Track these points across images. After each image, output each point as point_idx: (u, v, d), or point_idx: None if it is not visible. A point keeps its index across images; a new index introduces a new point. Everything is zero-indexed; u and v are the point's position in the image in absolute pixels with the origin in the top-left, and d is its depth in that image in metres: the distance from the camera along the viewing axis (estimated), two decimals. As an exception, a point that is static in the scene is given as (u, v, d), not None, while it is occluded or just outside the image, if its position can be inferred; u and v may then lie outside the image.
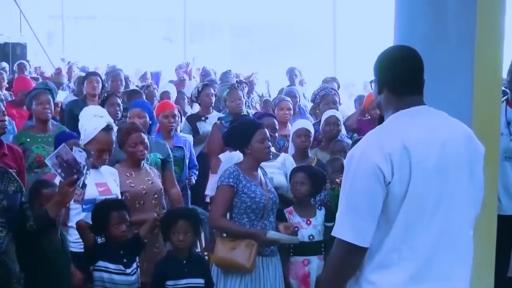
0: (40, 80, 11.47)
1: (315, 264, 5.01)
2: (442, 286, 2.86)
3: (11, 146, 5.43)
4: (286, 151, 6.16)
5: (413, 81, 2.97)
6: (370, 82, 3.14)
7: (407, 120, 2.90)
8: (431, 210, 2.82)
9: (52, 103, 6.20)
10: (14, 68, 12.19)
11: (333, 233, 2.88)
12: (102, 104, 6.73)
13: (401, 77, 2.96)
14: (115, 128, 5.10)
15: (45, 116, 6.06)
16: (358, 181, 2.82)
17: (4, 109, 5.45)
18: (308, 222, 5.07)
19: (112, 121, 5.05)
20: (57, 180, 4.11)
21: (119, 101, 7.01)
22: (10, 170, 4.60)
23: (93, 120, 4.88)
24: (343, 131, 6.77)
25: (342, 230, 2.83)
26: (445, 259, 2.86)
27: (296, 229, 4.95)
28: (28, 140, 5.92)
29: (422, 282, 2.83)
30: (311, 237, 5.03)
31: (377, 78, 3.01)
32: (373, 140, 2.89)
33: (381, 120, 3.41)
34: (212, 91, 7.85)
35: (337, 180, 5.40)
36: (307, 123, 6.19)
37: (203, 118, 7.55)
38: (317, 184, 5.17)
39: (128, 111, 6.39)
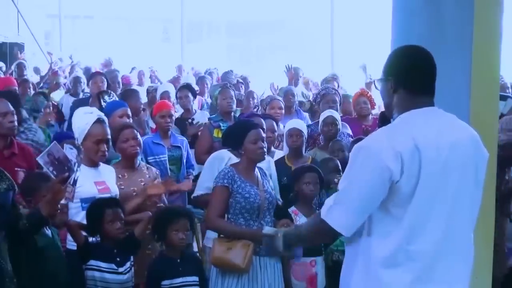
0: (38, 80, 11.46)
1: (320, 265, 5.03)
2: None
3: (22, 145, 5.40)
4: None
5: (429, 82, 3.00)
6: (374, 81, 3.13)
7: (418, 120, 2.92)
8: (437, 211, 2.84)
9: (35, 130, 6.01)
10: (13, 68, 12.12)
11: (323, 216, 2.93)
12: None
13: (420, 78, 2.98)
14: (107, 121, 5.07)
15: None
16: (362, 175, 2.84)
17: (13, 109, 5.36)
18: None
19: (103, 114, 5.02)
20: None
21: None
22: (19, 169, 4.60)
23: (84, 116, 4.88)
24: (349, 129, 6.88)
25: (332, 217, 2.90)
26: (449, 261, 2.88)
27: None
28: None
29: (426, 284, 2.85)
30: None
31: (394, 78, 2.99)
32: (384, 137, 2.89)
33: (382, 118, 3.42)
34: (190, 94, 7.89)
35: (335, 180, 5.41)
36: (298, 123, 6.23)
37: (189, 121, 7.57)
38: (322, 184, 5.20)
39: (109, 112, 6.05)
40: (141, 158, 5.81)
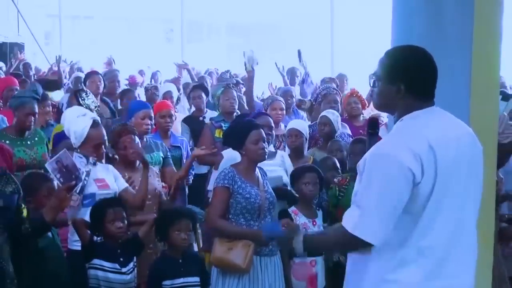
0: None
1: (320, 265, 5.04)
2: (453, 284, 2.91)
3: (1, 145, 5.41)
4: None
5: (432, 85, 3.00)
6: (370, 80, 3.12)
7: (424, 120, 2.93)
8: (448, 207, 2.86)
9: (37, 114, 6.10)
10: (20, 68, 12.12)
11: (351, 230, 2.86)
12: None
13: (426, 82, 2.99)
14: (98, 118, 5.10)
15: (28, 126, 5.97)
16: (388, 182, 2.82)
17: None
18: (314, 223, 5.09)
19: (95, 115, 5.06)
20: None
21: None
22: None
23: (79, 120, 4.89)
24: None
25: (365, 231, 2.84)
26: (458, 254, 2.91)
27: (304, 230, 4.98)
28: (8, 142, 5.78)
29: (437, 278, 2.87)
30: None
31: (404, 84, 2.96)
32: (400, 142, 2.89)
33: (372, 125, 3.41)
34: (203, 94, 7.90)
35: (335, 180, 5.42)
36: (298, 123, 6.24)
37: (200, 119, 7.58)
38: (322, 184, 5.20)
39: (133, 112, 6.33)
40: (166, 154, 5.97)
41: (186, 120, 7.64)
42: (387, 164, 2.83)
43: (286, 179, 5.34)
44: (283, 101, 7.40)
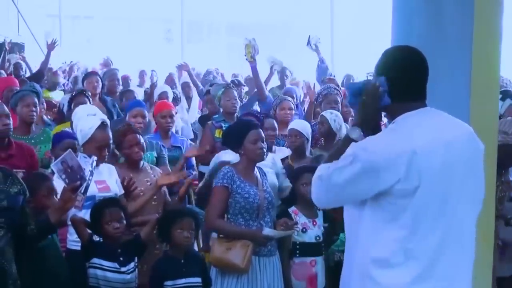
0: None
1: (320, 265, 5.04)
2: (446, 285, 2.89)
3: (21, 144, 5.42)
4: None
5: (422, 86, 3.00)
6: (367, 76, 3.12)
7: (414, 123, 2.92)
8: (438, 209, 2.84)
9: (38, 106, 6.17)
10: (10, 68, 12.11)
11: (312, 182, 3.00)
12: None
13: (416, 84, 2.98)
14: (109, 122, 5.11)
15: (30, 118, 6.01)
16: (352, 174, 2.85)
17: (8, 112, 5.43)
18: (314, 223, 5.08)
19: (105, 117, 5.08)
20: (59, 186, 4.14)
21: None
22: (18, 170, 4.63)
23: (88, 119, 4.90)
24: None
25: (315, 190, 3.00)
26: (450, 258, 2.89)
27: (303, 229, 4.97)
28: None
29: (427, 281, 2.85)
30: (317, 238, 5.05)
31: (392, 84, 2.96)
32: (383, 144, 2.89)
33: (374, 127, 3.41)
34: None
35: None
36: (298, 123, 6.23)
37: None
38: None
39: (127, 111, 6.41)
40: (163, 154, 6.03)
41: (200, 120, 7.68)
42: (362, 159, 2.84)
43: (272, 180, 5.29)
44: (292, 101, 7.40)
